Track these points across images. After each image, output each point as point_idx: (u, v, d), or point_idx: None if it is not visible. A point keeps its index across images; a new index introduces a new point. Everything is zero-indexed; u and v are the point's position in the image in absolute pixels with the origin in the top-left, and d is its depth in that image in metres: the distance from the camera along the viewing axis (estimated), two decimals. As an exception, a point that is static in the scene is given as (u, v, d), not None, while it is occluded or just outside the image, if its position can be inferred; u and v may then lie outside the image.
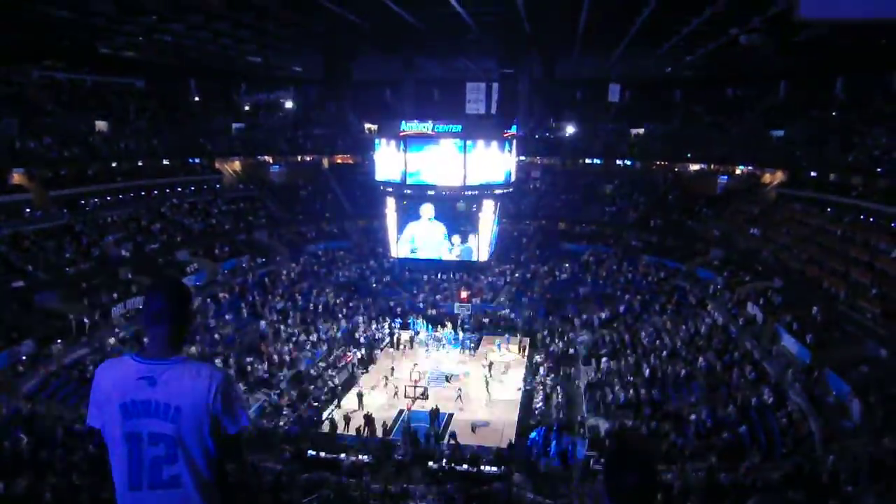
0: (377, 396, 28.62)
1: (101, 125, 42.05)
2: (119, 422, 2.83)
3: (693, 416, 23.67)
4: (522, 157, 45.24)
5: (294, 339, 32.84)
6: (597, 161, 52.22)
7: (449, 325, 36.24)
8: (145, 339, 3.12)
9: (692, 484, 17.36)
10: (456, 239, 31.95)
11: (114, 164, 41.17)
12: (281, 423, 25.11)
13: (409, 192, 30.10)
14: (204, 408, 2.84)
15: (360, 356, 32.16)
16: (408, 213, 31.45)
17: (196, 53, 40.84)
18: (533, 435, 24.28)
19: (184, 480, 2.84)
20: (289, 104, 55.69)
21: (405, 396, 28.09)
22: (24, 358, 25.40)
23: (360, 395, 27.71)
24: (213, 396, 2.84)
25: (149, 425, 2.83)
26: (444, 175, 28.50)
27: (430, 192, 29.96)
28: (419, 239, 31.70)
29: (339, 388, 28.98)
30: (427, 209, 30.80)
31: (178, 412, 2.82)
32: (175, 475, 2.83)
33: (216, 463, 2.93)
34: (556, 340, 34.22)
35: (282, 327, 33.92)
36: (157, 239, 37.34)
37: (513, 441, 24.00)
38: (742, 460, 19.51)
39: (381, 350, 33.91)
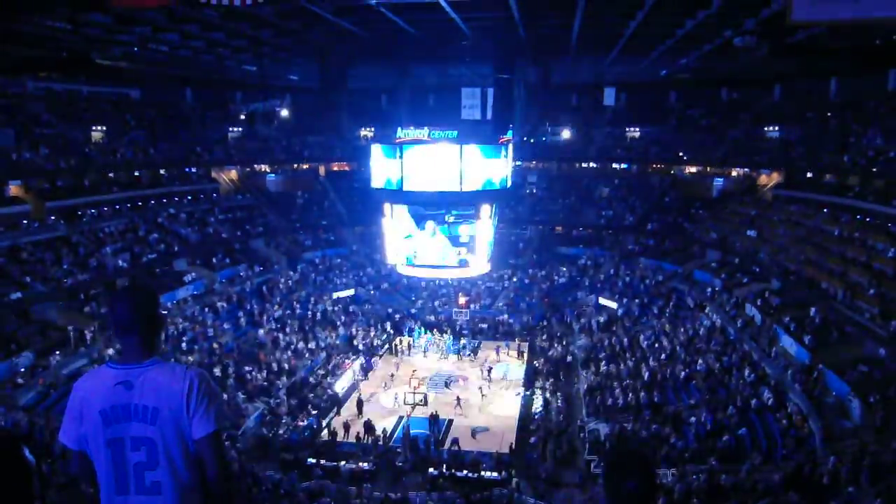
0: (376, 403, 28.62)
1: (97, 135, 42.05)
2: (101, 429, 2.83)
3: (693, 419, 23.68)
4: (518, 162, 45.30)
5: (292, 347, 32.82)
6: (593, 165, 52.35)
7: (448, 330, 36.28)
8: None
9: (693, 486, 17.34)
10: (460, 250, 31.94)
11: (110, 175, 41.15)
12: (280, 432, 25.07)
13: (405, 198, 30.11)
14: (181, 409, 2.83)
15: (359, 363, 32.16)
16: (408, 224, 31.40)
17: (192, 63, 40.88)
18: (533, 439, 24.28)
19: (164, 487, 2.84)
20: (285, 112, 55.66)
21: (405, 403, 28.12)
22: (22, 370, 25.36)
23: (359, 402, 27.70)
24: (186, 396, 2.83)
25: (130, 430, 2.83)
26: (441, 181, 28.53)
27: (427, 199, 30.00)
28: (420, 249, 31.61)
29: (339, 395, 28.96)
30: (429, 224, 30.74)
31: (157, 413, 2.82)
32: (156, 481, 2.83)
33: (198, 466, 2.91)
34: (555, 345, 34.28)
35: (280, 335, 33.88)
36: (155, 249, 37.30)
37: (513, 446, 24.01)
38: (742, 462, 19.51)
39: (380, 357, 33.91)
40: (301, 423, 25.71)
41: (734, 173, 45.78)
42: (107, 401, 2.83)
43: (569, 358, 32.61)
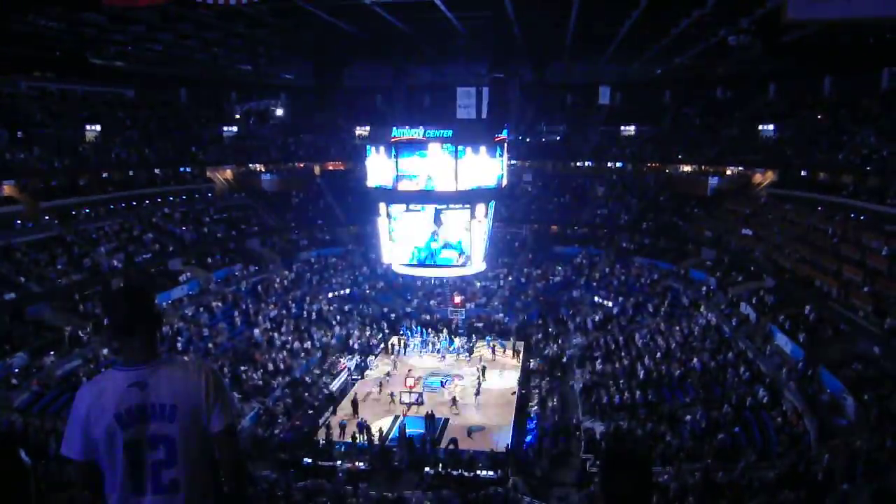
0: (372, 403, 28.62)
1: (91, 135, 41.92)
2: (118, 433, 2.80)
3: (688, 417, 23.75)
4: (513, 161, 45.31)
5: (288, 346, 32.80)
6: (588, 163, 52.32)
7: (444, 329, 36.28)
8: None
9: (688, 484, 17.38)
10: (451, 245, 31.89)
11: (105, 175, 41.04)
12: (276, 431, 25.06)
13: (400, 197, 30.09)
14: (200, 403, 2.83)
15: (354, 363, 32.15)
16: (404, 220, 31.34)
17: (186, 62, 40.82)
18: (529, 438, 24.37)
19: (182, 484, 2.83)
20: (280, 112, 55.68)
21: (400, 402, 28.13)
22: (16, 370, 25.28)
23: (354, 402, 27.69)
24: (206, 391, 2.84)
25: (148, 429, 2.81)
26: (436, 180, 28.51)
27: (422, 198, 29.97)
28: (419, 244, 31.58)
29: (335, 395, 28.95)
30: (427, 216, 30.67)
31: (175, 410, 2.81)
32: (174, 479, 2.82)
33: (214, 462, 2.91)
34: (551, 343, 34.30)
35: (275, 335, 33.84)
36: (150, 249, 37.20)
37: (509, 445, 24.04)
38: (738, 460, 19.56)
39: (376, 356, 33.90)
40: (297, 423, 25.74)
41: (729, 172, 45.84)
42: (122, 404, 2.81)
43: (564, 357, 32.64)
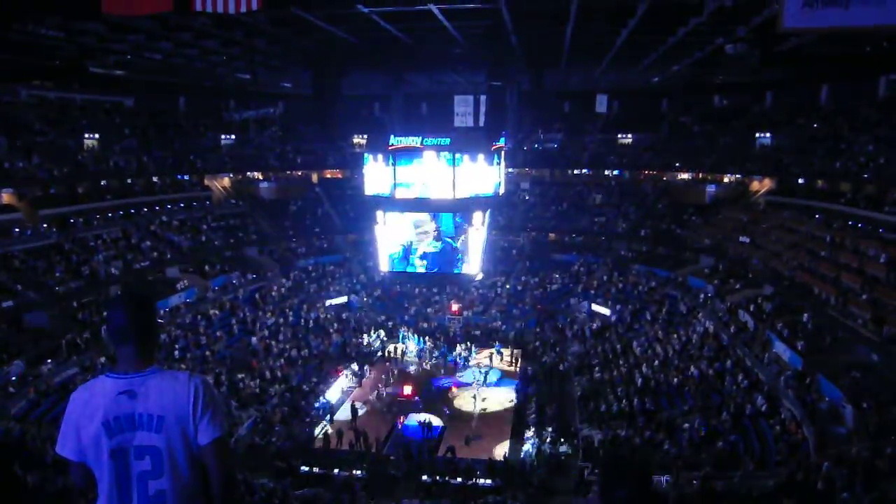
0: (369, 410, 28.56)
1: (90, 143, 41.93)
2: (104, 440, 2.79)
3: (686, 425, 23.70)
4: (511, 169, 45.35)
5: (285, 354, 32.75)
6: (585, 171, 52.39)
7: (441, 337, 36.24)
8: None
9: (687, 493, 17.33)
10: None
11: (103, 183, 41.04)
12: (273, 440, 24.99)
13: (398, 205, 30.11)
14: (186, 415, 2.81)
15: (351, 370, 32.10)
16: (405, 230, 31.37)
17: (185, 71, 40.85)
18: (526, 446, 24.35)
19: (168, 496, 2.81)
20: (278, 120, 55.64)
21: (398, 410, 28.06)
22: (13, 378, 25.19)
23: (352, 410, 27.64)
24: (193, 403, 2.82)
25: (134, 439, 2.80)
26: (434, 188, 28.54)
27: (420, 206, 29.99)
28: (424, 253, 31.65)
29: (331, 403, 28.88)
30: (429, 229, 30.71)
31: (162, 421, 2.80)
32: (160, 490, 2.81)
33: (202, 474, 2.90)
34: (548, 351, 34.27)
35: (273, 343, 33.79)
36: (147, 257, 37.19)
37: (506, 453, 23.98)
38: (736, 468, 19.52)
39: (373, 364, 33.84)
40: (294, 431, 25.68)
41: (726, 180, 45.95)
42: (109, 411, 2.80)
43: (562, 365, 32.60)
